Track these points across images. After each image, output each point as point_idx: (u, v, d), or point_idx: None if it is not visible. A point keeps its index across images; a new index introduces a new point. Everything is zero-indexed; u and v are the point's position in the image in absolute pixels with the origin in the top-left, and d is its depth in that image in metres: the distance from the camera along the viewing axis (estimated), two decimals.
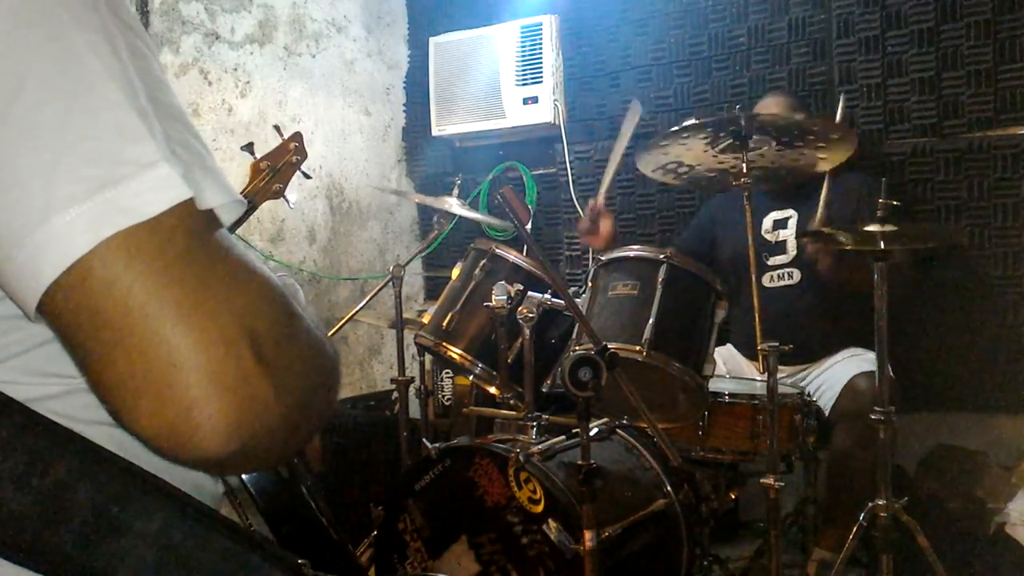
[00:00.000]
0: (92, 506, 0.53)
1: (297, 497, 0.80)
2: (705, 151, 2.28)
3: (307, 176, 2.28)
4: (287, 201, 2.21)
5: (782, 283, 2.69)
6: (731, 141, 2.20)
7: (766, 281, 2.69)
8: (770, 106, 2.74)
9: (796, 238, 2.67)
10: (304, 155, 2.21)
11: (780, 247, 2.71)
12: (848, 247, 2.14)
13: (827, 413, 2.46)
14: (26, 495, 0.52)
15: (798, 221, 2.69)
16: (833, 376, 2.53)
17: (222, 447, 0.51)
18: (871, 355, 2.48)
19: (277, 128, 2.22)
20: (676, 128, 2.27)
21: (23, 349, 0.57)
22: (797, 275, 2.67)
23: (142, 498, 0.55)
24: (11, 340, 0.57)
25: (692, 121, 2.26)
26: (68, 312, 0.50)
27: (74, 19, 0.52)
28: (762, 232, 2.72)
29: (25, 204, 0.49)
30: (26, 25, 0.51)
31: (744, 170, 2.15)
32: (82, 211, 0.49)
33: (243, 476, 0.77)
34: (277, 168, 2.16)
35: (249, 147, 2.15)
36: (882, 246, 1.92)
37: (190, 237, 0.52)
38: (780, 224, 2.73)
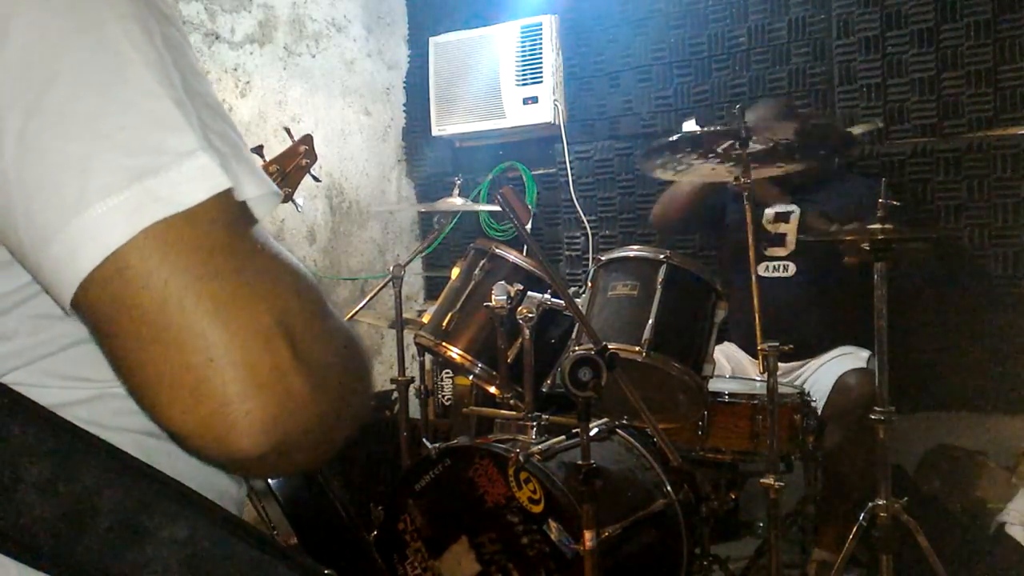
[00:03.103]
0: (118, 513, 0.52)
1: (325, 504, 0.79)
2: (702, 156, 2.29)
3: (316, 179, 2.25)
4: (296, 205, 2.17)
5: (777, 275, 2.70)
6: (730, 143, 2.20)
7: (761, 270, 2.69)
8: (757, 116, 2.69)
9: (797, 233, 2.68)
10: (314, 158, 2.17)
11: (779, 239, 2.71)
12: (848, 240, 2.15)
13: (820, 412, 2.46)
14: (52, 501, 0.51)
15: (800, 216, 2.70)
16: (825, 375, 2.53)
17: (258, 445, 0.50)
18: (863, 353, 2.50)
19: (287, 130, 2.19)
20: (674, 137, 2.26)
21: (50, 351, 0.56)
22: (792, 268, 2.68)
23: (168, 505, 0.54)
24: (38, 341, 0.56)
25: (690, 123, 2.27)
26: (103, 305, 0.49)
27: (108, 7, 0.52)
28: (763, 222, 2.73)
29: (60, 195, 0.48)
30: (60, 14, 0.50)
31: (743, 172, 2.15)
32: (119, 201, 0.48)
33: (271, 482, 0.76)
34: (286, 172, 2.12)
35: (258, 149, 2.12)
36: (882, 246, 1.93)
37: (228, 229, 0.51)
38: (782, 217, 2.73)
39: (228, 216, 0.52)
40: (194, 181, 0.50)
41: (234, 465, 0.54)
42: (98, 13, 0.51)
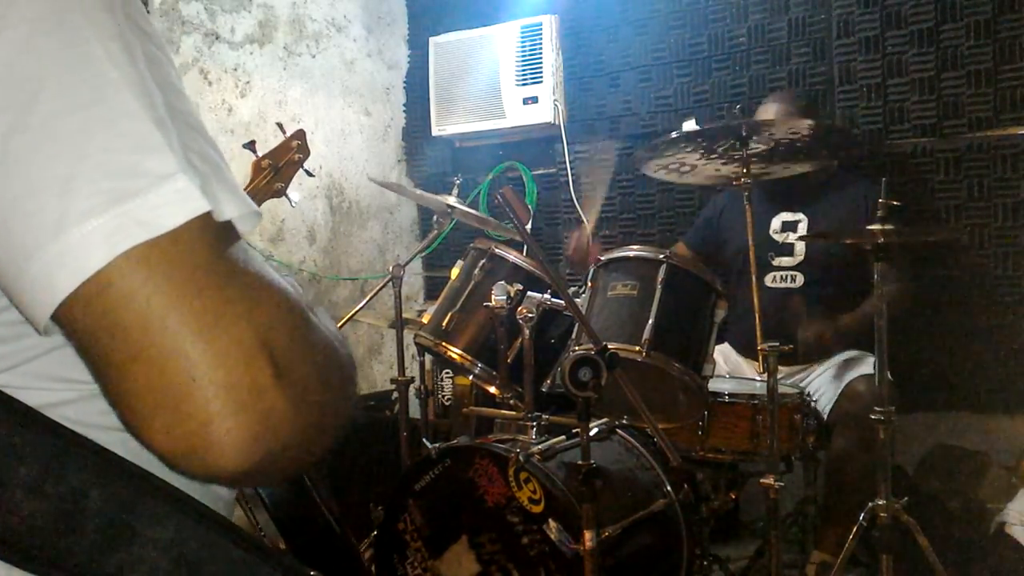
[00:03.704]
0: (105, 513, 0.53)
1: (311, 507, 0.79)
2: (704, 155, 2.28)
3: (309, 174, 2.27)
4: (289, 200, 2.19)
5: (784, 285, 2.68)
6: (730, 143, 2.20)
7: (768, 281, 2.69)
8: (769, 111, 2.70)
9: (804, 242, 2.65)
10: (307, 153, 2.20)
11: (787, 249, 2.69)
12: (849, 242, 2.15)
13: (826, 416, 2.46)
14: (40, 502, 0.51)
15: (808, 225, 2.68)
16: (833, 380, 2.52)
17: (239, 463, 0.51)
18: (870, 358, 2.49)
19: (280, 126, 2.21)
20: (674, 135, 2.26)
21: (36, 354, 0.57)
22: (800, 279, 2.66)
23: (156, 505, 0.54)
24: (24, 345, 0.56)
25: (690, 123, 2.26)
26: (86, 325, 0.50)
27: (92, 26, 0.52)
28: (770, 232, 2.71)
29: (40, 217, 0.49)
30: (43, 33, 0.51)
31: (744, 172, 2.15)
32: (98, 224, 0.48)
33: (259, 490, 0.76)
34: (279, 166, 2.14)
35: (251, 145, 2.14)
36: (882, 244, 1.92)
37: (209, 250, 0.52)
38: (789, 226, 2.71)
39: (208, 237, 0.52)
40: (173, 204, 0.50)
41: (215, 481, 0.55)
42: (81, 32, 0.51)
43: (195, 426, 0.49)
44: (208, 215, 0.52)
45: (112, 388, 0.51)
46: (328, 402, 0.58)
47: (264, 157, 2.14)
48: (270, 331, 0.53)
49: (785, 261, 2.69)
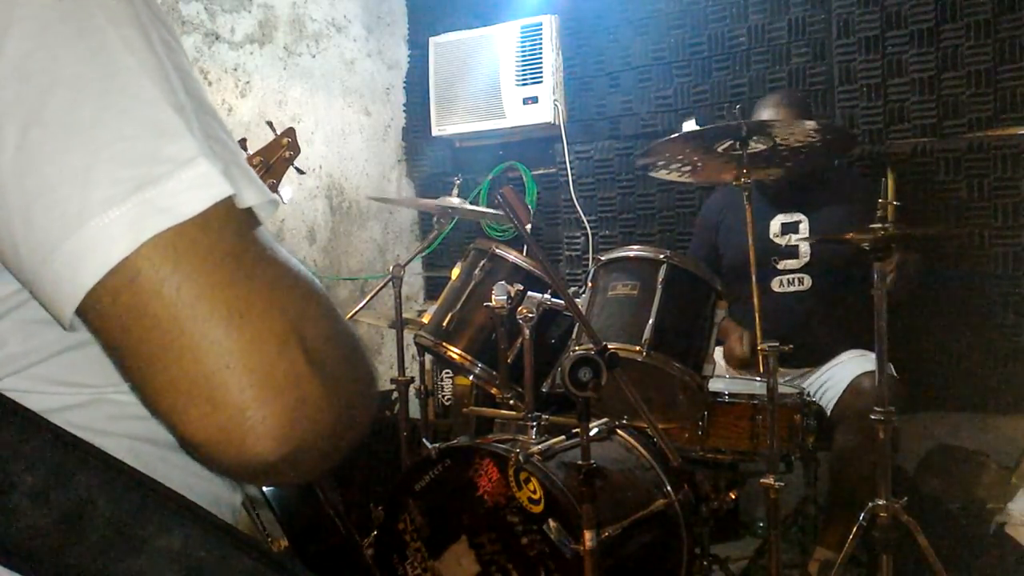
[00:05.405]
0: (112, 522, 0.52)
1: (319, 510, 0.78)
2: (706, 154, 2.29)
3: (300, 171, 2.28)
4: (280, 197, 2.20)
5: (792, 288, 2.65)
6: (731, 143, 2.20)
7: (776, 286, 2.66)
8: (766, 113, 2.66)
9: (810, 243, 2.61)
10: (297, 150, 2.21)
11: (791, 251, 2.66)
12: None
13: (829, 412, 2.45)
14: (46, 510, 0.51)
15: (810, 226, 2.65)
16: (836, 375, 2.52)
17: (274, 450, 0.50)
18: (874, 355, 2.48)
19: (270, 124, 2.23)
20: (674, 136, 2.26)
21: (42, 358, 0.56)
22: (808, 281, 2.64)
23: (163, 514, 0.54)
24: (30, 347, 0.56)
25: (690, 123, 2.27)
26: (115, 317, 0.49)
27: (107, 14, 0.51)
28: (770, 236, 2.68)
29: (61, 209, 0.48)
30: (58, 21, 0.50)
31: (744, 171, 2.15)
32: (120, 213, 0.48)
33: (265, 492, 0.75)
34: (270, 163, 2.16)
35: (242, 143, 2.15)
36: (882, 246, 1.92)
37: (235, 237, 0.51)
38: (790, 228, 2.68)
39: (234, 223, 0.51)
40: (195, 190, 0.50)
41: (248, 472, 0.53)
42: (96, 20, 0.51)
43: (231, 412, 0.49)
44: (231, 201, 0.51)
45: (143, 381, 0.51)
46: (355, 391, 0.57)
47: (255, 154, 2.15)
48: (300, 317, 0.52)
49: (790, 264, 2.66)
